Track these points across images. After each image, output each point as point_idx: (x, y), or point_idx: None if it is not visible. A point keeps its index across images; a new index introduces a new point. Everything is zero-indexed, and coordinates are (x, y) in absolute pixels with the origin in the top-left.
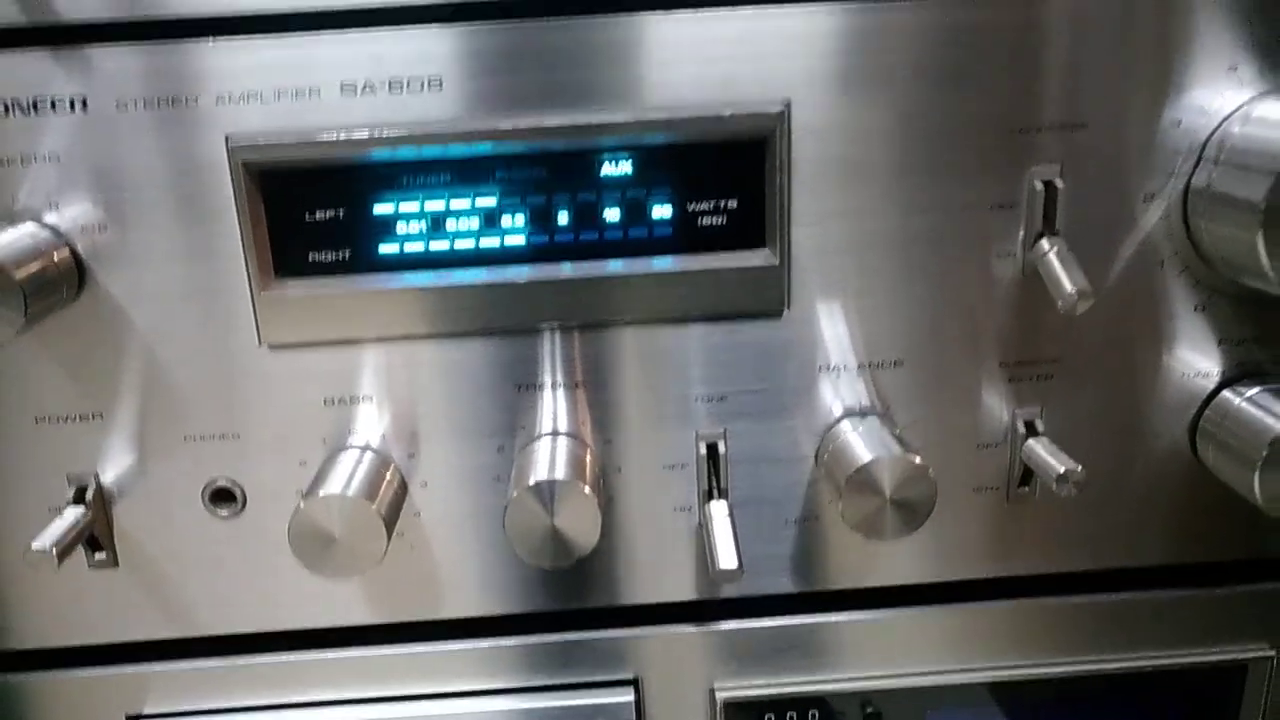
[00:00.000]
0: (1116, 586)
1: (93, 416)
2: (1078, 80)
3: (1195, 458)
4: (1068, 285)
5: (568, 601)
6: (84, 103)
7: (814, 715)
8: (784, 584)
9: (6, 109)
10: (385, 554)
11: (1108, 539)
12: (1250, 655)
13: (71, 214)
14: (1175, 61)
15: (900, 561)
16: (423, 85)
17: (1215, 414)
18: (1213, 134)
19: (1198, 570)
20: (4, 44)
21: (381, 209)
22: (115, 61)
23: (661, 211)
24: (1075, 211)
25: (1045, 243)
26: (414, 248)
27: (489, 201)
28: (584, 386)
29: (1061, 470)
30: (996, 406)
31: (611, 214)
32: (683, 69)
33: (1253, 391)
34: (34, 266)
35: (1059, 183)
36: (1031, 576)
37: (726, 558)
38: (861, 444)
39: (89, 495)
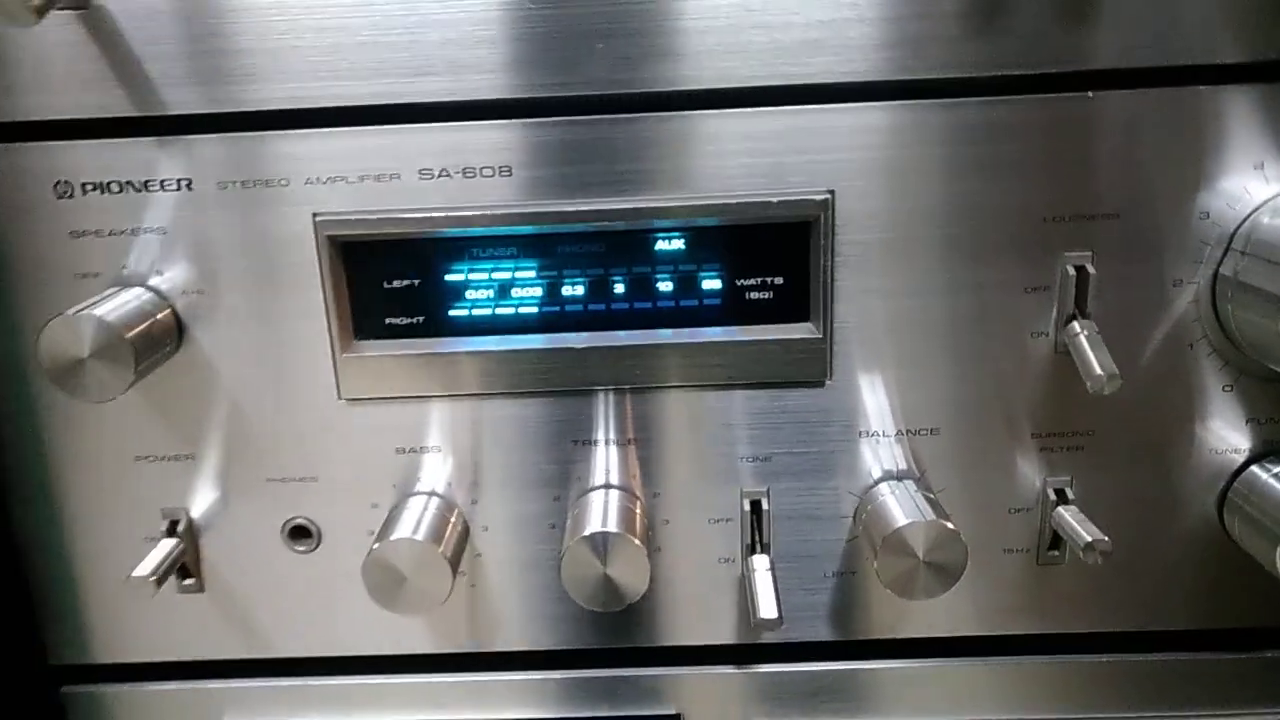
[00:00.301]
0: (1142, 648)
1: (186, 457)
2: (1110, 173)
3: (1222, 529)
4: (1096, 368)
5: (616, 640)
6: (189, 184)
7: None
8: (820, 632)
9: (121, 188)
10: (450, 593)
11: (1134, 602)
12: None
13: (173, 278)
14: (1204, 158)
15: (932, 615)
16: (494, 172)
17: (1243, 488)
18: (1240, 226)
19: (1222, 635)
20: (120, 132)
21: (452, 279)
22: (219, 149)
23: (712, 285)
24: (1107, 295)
25: (1076, 324)
26: (481, 313)
27: (551, 273)
28: (635, 443)
29: (1089, 539)
30: (1028, 474)
31: (665, 286)
32: (734, 160)
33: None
34: (142, 327)
35: (1090, 268)
36: (1059, 635)
37: (767, 608)
38: (897, 507)
39: (180, 528)
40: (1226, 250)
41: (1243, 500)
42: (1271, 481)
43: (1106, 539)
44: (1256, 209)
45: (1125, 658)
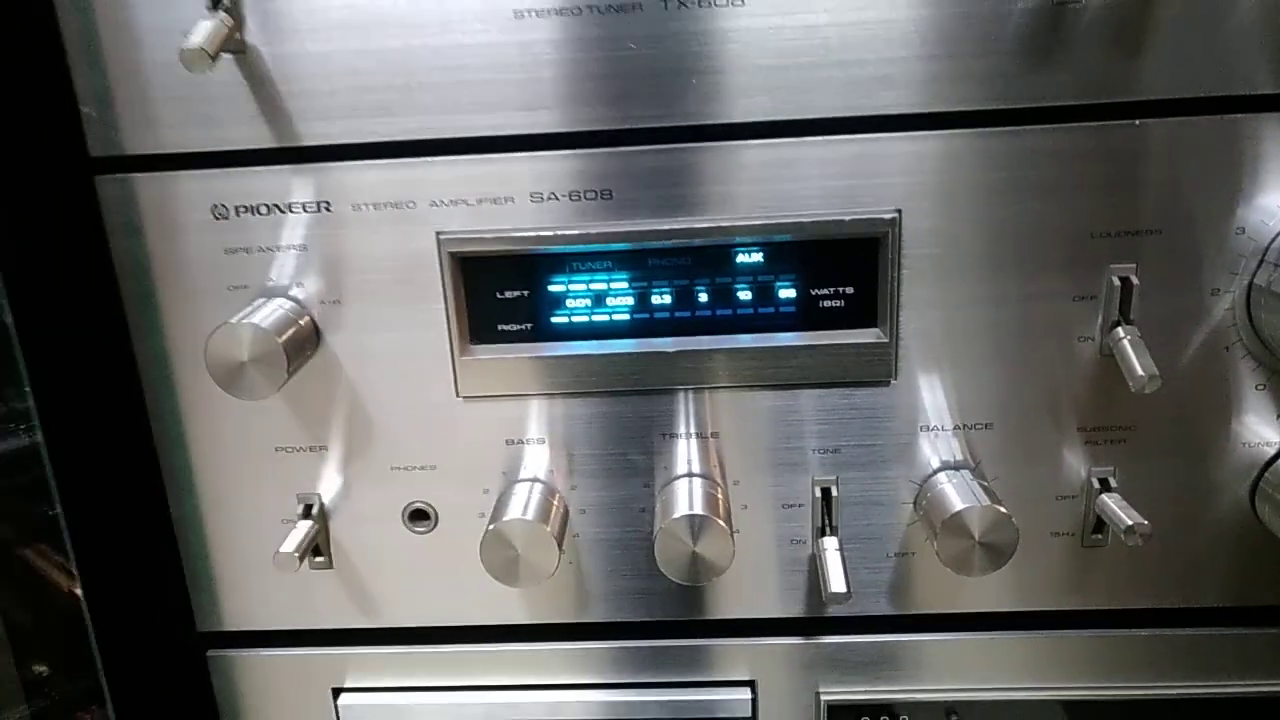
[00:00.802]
0: (1178, 623)
1: (320, 448)
2: (1154, 193)
3: (1254, 515)
4: (1139, 369)
5: (697, 613)
6: (328, 205)
7: (904, 718)
8: (882, 607)
9: (269, 209)
10: (556, 568)
11: (1171, 582)
12: None
13: (311, 289)
14: (1241, 179)
15: (985, 593)
16: (596, 195)
17: (1274, 477)
18: (1274, 240)
19: (1252, 612)
20: (270, 161)
21: (555, 289)
22: (354, 175)
23: (788, 294)
24: (1150, 303)
25: (1120, 330)
26: (580, 320)
27: (642, 284)
28: (716, 437)
29: (1130, 524)
30: (1074, 464)
31: (744, 295)
32: (812, 182)
33: None
34: (289, 333)
35: (1134, 279)
36: (1102, 611)
37: (838, 583)
38: (955, 494)
39: (314, 511)
40: (1260, 262)
41: (1273, 489)
42: None
43: (1146, 522)
44: None
45: (1162, 632)
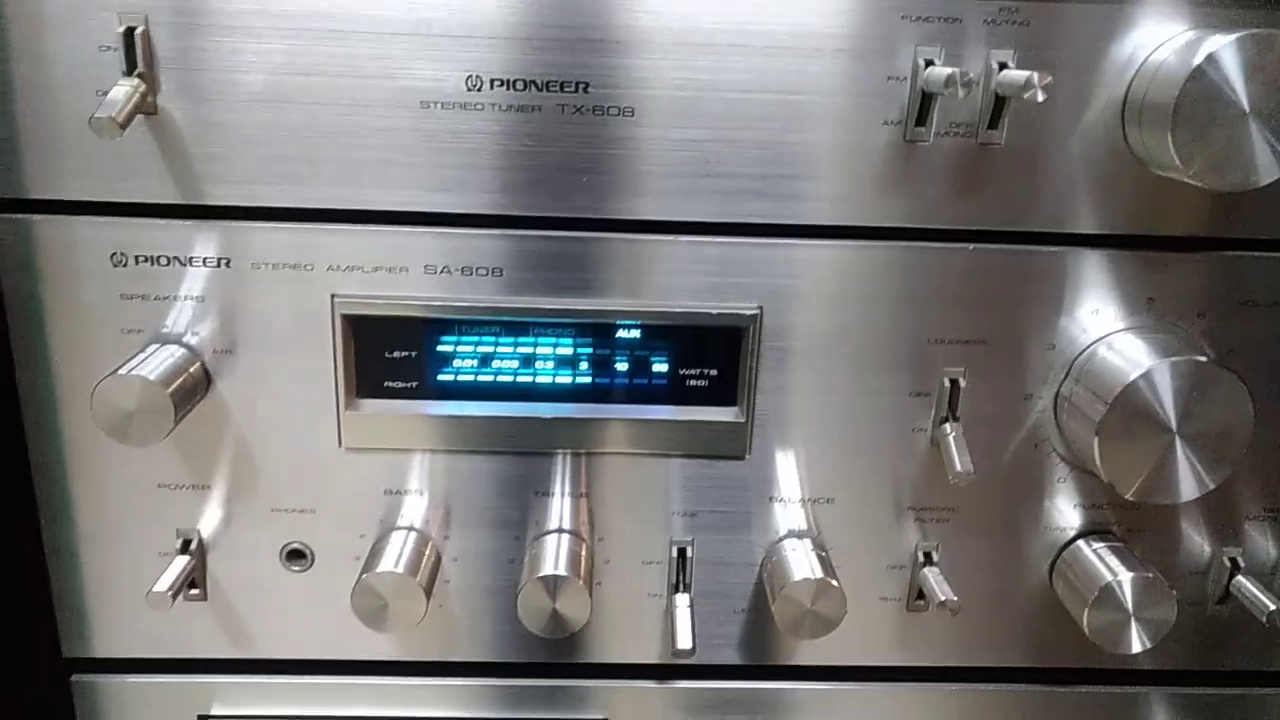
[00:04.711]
0: (987, 679)
1: (202, 487)
2: (982, 309)
3: (1052, 589)
4: (958, 466)
5: (558, 655)
6: (228, 262)
7: None
8: (729, 657)
9: (169, 261)
10: (425, 616)
11: (982, 643)
12: None
13: (205, 337)
14: (1055, 302)
15: (820, 647)
16: (488, 271)
17: (1069, 557)
18: (1077, 358)
19: (1050, 672)
20: (171, 215)
21: (443, 350)
22: (256, 236)
23: (660, 368)
24: (977, 401)
25: (947, 426)
26: (465, 379)
27: (527, 351)
28: (586, 497)
29: (943, 599)
30: (904, 538)
31: (621, 367)
32: (686, 277)
33: (1098, 546)
34: (178, 382)
35: (962, 381)
36: (922, 667)
37: (684, 640)
38: (794, 564)
39: (192, 546)
40: (1066, 375)
41: (1066, 568)
42: (1090, 555)
43: (956, 599)
44: (1090, 345)
45: (972, 687)
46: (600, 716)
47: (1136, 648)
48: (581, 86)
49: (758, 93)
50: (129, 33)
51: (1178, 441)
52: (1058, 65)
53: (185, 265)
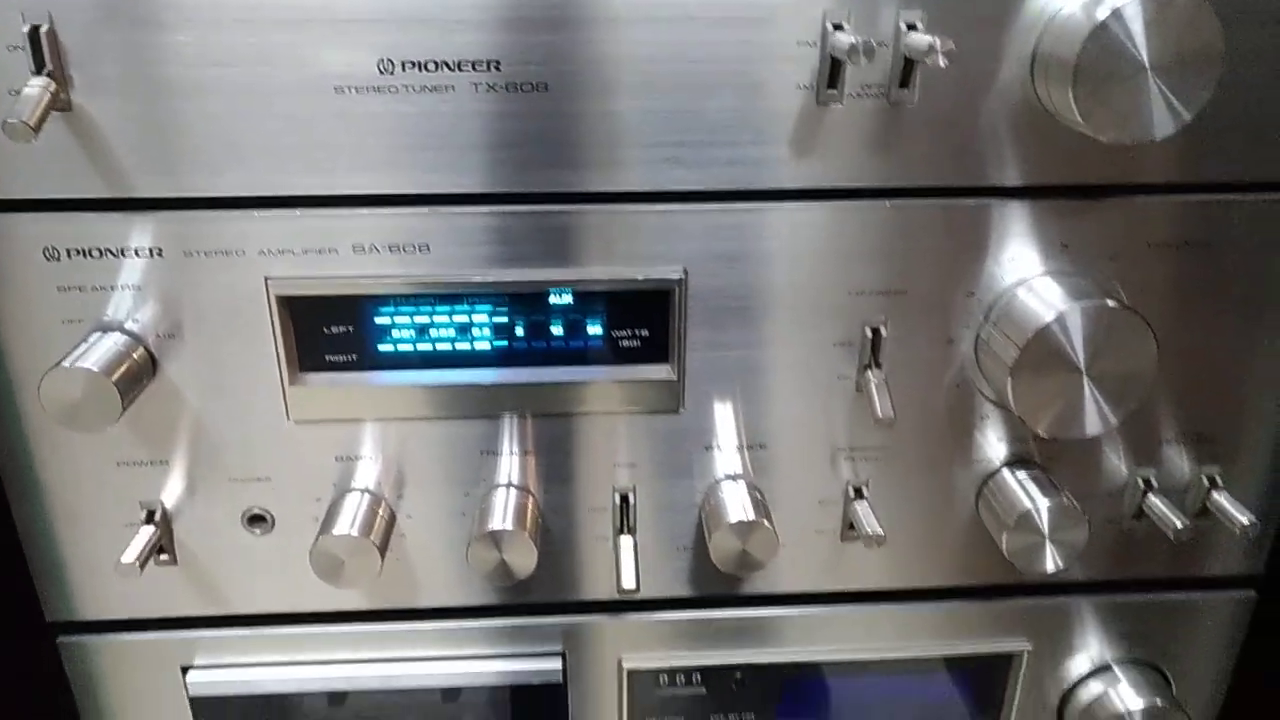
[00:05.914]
0: (916, 599)
1: (160, 463)
2: (903, 261)
3: (978, 514)
4: (879, 410)
5: (518, 597)
6: (160, 251)
7: (695, 678)
8: (676, 590)
9: (101, 254)
10: (380, 572)
11: (911, 568)
12: (1013, 649)
13: (146, 323)
14: (973, 251)
15: (761, 577)
16: (415, 249)
17: (993, 486)
18: (994, 303)
19: (974, 590)
20: (101, 208)
21: (380, 322)
22: (186, 225)
23: (595, 331)
24: (899, 349)
25: (870, 373)
26: (405, 349)
27: (463, 320)
28: (533, 454)
29: (869, 532)
30: (836, 476)
31: (557, 331)
32: (614, 244)
33: (1020, 474)
34: (123, 369)
35: (884, 330)
36: (855, 591)
37: (628, 579)
38: (726, 505)
39: (156, 516)
40: (985, 319)
41: (990, 496)
42: (1012, 482)
43: (882, 532)
44: (1005, 290)
45: (902, 607)
46: (557, 649)
47: (1051, 568)
48: (493, 65)
49: (670, 63)
50: (34, 31)
51: (1085, 381)
52: (968, 22)
53: (119, 256)
